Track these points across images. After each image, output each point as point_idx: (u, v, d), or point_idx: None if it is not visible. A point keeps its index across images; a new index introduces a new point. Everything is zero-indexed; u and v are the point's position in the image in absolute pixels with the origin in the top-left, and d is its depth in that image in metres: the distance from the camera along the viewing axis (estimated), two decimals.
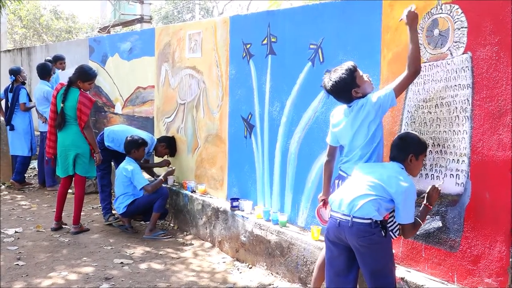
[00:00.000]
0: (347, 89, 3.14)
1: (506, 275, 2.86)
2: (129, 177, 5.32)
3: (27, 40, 24.25)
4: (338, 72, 3.14)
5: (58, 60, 7.65)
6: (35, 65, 9.55)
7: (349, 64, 3.16)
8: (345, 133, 3.24)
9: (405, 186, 2.83)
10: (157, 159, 6.14)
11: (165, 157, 5.98)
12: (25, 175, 7.82)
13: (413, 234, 3.05)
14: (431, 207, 3.05)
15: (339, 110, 3.36)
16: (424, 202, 3.05)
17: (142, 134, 5.84)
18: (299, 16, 4.22)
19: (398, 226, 3.02)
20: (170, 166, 5.65)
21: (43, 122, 7.21)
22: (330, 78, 3.17)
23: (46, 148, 5.48)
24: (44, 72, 7.24)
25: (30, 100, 7.54)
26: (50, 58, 7.91)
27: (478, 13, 2.95)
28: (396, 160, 2.99)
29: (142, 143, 5.53)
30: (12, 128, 7.42)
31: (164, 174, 5.52)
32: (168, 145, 5.88)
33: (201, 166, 5.55)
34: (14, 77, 7.45)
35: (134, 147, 5.46)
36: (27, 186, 7.60)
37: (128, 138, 5.49)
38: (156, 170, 6.09)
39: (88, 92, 5.45)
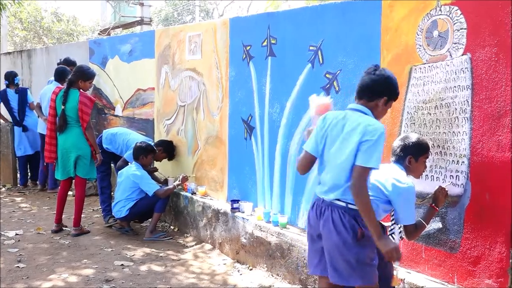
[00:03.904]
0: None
1: (506, 276, 2.85)
2: (137, 182, 5.32)
3: (28, 43, 24.27)
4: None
5: (71, 66, 7.52)
6: (35, 68, 9.60)
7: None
8: None
9: (402, 187, 2.82)
10: (157, 164, 6.14)
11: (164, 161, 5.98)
12: (27, 177, 7.87)
13: (416, 236, 3.03)
14: (438, 209, 3.03)
15: None
16: (430, 203, 3.04)
17: (140, 137, 5.86)
18: (299, 17, 4.22)
19: (401, 228, 3.00)
20: (183, 174, 5.61)
21: None
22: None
23: (45, 153, 5.44)
24: (64, 75, 7.07)
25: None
26: (70, 58, 7.76)
27: (477, 14, 2.95)
28: (396, 161, 2.99)
29: (151, 150, 5.54)
30: (25, 129, 7.53)
31: (177, 181, 5.49)
32: (165, 149, 5.85)
33: (202, 168, 5.55)
34: (18, 79, 7.58)
35: (143, 153, 5.46)
36: (26, 189, 7.62)
37: (137, 144, 5.49)
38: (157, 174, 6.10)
39: (87, 92, 5.46)
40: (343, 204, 2.69)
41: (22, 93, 7.50)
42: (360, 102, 2.78)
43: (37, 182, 7.75)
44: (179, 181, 5.49)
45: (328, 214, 2.72)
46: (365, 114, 2.73)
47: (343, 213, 2.68)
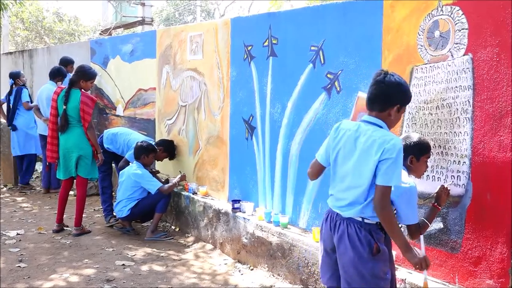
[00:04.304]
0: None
1: (507, 277, 2.85)
2: (139, 181, 5.33)
3: (29, 43, 24.29)
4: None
5: (69, 64, 7.48)
6: (37, 68, 9.60)
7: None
8: None
9: (404, 187, 2.81)
10: (158, 163, 6.15)
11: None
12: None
13: (419, 236, 3.03)
14: (440, 208, 3.03)
15: None
16: (433, 203, 3.04)
17: (141, 137, 5.86)
18: (300, 17, 4.22)
19: (402, 229, 3.00)
20: (182, 172, 5.66)
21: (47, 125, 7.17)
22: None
23: (47, 153, 5.43)
24: (57, 74, 7.05)
25: (31, 101, 7.55)
26: (68, 57, 7.66)
27: (479, 14, 2.95)
28: None
29: (152, 149, 5.54)
30: (14, 129, 7.44)
31: (177, 178, 5.52)
32: (166, 148, 5.84)
33: (203, 168, 5.55)
34: (13, 81, 7.48)
35: (144, 153, 5.47)
36: (28, 189, 7.58)
37: (138, 144, 5.50)
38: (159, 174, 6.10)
39: (89, 92, 5.47)
40: (359, 219, 2.65)
41: (17, 93, 7.42)
42: (373, 114, 2.67)
43: (26, 185, 7.62)
44: (179, 178, 5.50)
45: (343, 229, 2.68)
46: (380, 127, 2.63)
47: (359, 228, 2.64)
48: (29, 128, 7.46)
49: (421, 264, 2.61)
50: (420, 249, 2.76)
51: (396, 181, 2.56)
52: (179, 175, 5.57)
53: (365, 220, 2.65)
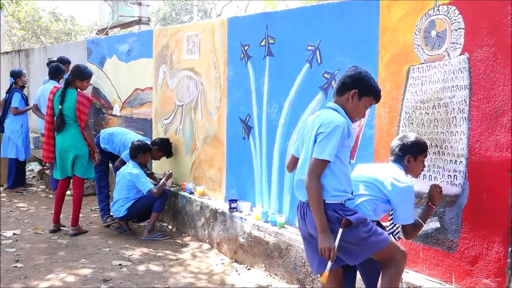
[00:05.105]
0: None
1: (504, 276, 2.86)
2: (134, 181, 5.32)
3: (26, 42, 24.23)
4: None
5: (65, 64, 7.47)
6: (33, 67, 9.58)
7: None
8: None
9: (401, 187, 2.82)
10: (155, 163, 6.15)
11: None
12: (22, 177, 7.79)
13: (415, 236, 3.03)
14: (434, 207, 3.04)
15: None
16: (427, 202, 3.05)
17: (137, 137, 5.87)
18: (297, 17, 4.22)
19: (399, 229, 3.01)
20: (169, 170, 5.67)
21: None
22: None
23: (43, 153, 5.42)
24: (57, 73, 7.01)
25: (27, 104, 7.51)
26: (53, 59, 7.65)
27: (475, 14, 2.95)
28: (395, 161, 3.00)
29: (148, 148, 5.54)
30: (2, 131, 7.45)
31: (164, 178, 5.51)
32: (161, 147, 5.82)
33: (200, 168, 5.55)
34: (13, 80, 7.43)
35: (141, 152, 5.46)
36: (23, 189, 7.54)
37: (134, 143, 5.49)
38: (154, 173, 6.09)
39: (85, 92, 5.46)
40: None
41: (11, 95, 7.39)
42: (333, 100, 2.85)
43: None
44: (165, 178, 5.49)
45: (310, 214, 2.71)
46: (335, 110, 2.76)
47: (324, 210, 2.67)
48: (12, 133, 7.35)
49: (325, 252, 2.60)
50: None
51: (327, 155, 2.61)
52: (165, 175, 5.55)
53: (326, 201, 2.67)
